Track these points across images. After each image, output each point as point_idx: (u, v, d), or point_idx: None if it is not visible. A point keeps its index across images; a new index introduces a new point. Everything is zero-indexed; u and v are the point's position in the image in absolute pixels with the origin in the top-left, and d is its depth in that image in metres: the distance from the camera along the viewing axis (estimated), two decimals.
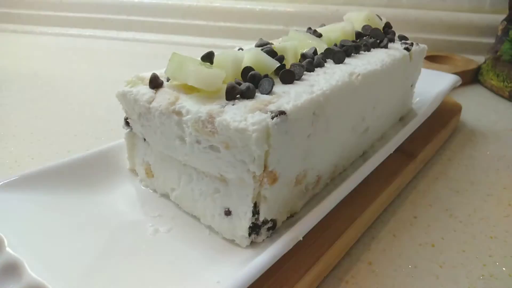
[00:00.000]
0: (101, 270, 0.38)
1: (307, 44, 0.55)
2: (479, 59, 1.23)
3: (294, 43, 0.52)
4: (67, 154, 0.73)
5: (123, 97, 0.47)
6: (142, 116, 0.46)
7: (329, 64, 0.53)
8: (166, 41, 1.48)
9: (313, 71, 0.50)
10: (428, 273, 0.49)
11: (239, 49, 0.55)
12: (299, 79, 0.47)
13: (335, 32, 0.60)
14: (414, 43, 0.69)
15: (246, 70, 0.44)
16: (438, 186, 0.67)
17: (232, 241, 0.44)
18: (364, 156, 0.60)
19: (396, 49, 0.63)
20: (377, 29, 0.63)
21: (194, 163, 0.44)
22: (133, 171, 0.55)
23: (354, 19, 0.68)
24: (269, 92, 0.42)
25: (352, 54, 0.58)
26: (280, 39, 0.61)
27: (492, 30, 1.25)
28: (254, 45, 0.56)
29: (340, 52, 0.53)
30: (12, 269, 0.35)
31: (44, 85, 1.08)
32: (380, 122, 0.62)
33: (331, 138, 0.48)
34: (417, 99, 0.79)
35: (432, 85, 0.81)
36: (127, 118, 0.51)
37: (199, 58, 0.45)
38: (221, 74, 0.42)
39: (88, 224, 0.45)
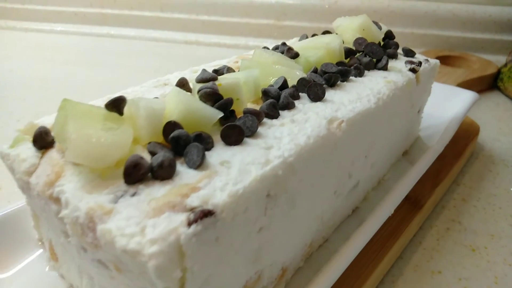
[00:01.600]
0: None
1: (274, 71, 0.40)
2: (499, 59, 1.07)
3: (252, 74, 0.37)
4: None
5: (3, 159, 0.33)
6: (24, 190, 0.32)
7: (303, 102, 0.38)
8: (143, 37, 1.33)
9: (276, 118, 0.35)
10: None
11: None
12: (252, 135, 0.32)
13: (317, 50, 0.45)
14: (423, 59, 0.53)
15: (168, 129, 0.29)
16: (449, 242, 0.53)
17: None
18: (354, 215, 0.46)
19: (398, 71, 0.47)
20: (373, 43, 0.47)
21: (88, 272, 0.29)
22: (42, 243, 0.41)
23: (345, 28, 0.52)
24: (198, 165, 0.28)
25: (339, 82, 0.42)
26: (239, 63, 0.45)
27: None
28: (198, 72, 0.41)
29: (317, 86, 0.38)
30: None
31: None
32: (375, 170, 0.47)
33: (299, 217, 0.34)
34: (425, 124, 0.63)
35: (445, 104, 0.65)
36: None
37: (104, 106, 0.30)
38: (122, 142, 0.27)
39: None
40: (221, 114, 0.31)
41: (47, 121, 0.35)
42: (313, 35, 0.55)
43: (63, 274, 0.37)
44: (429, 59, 0.54)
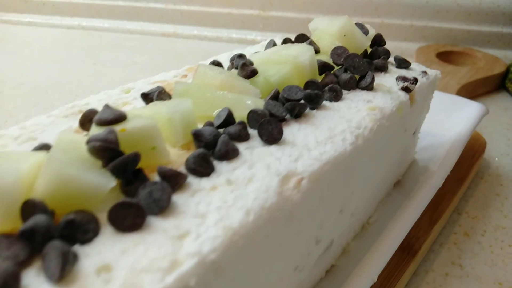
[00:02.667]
0: None
1: (217, 100, 0.29)
2: (507, 55, 0.96)
3: (181, 109, 0.27)
4: None
5: None
6: None
7: (253, 145, 0.28)
8: (117, 29, 1.21)
9: (208, 175, 0.24)
10: None
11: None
12: (160, 212, 0.21)
13: (282, 65, 0.34)
14: (420, 71, 0.42)
15: (26, 212, 0.19)
16: None
17: None
18: (329, 277, 0.36)
19: (387, 92, 0.36)
20: (355, 55, 0.36)
21: None
22: None
23: (322, 33, 0.41)
24: (57, 278, 0.17)
25: (306, 111, 0.32)
26: (187, 77, 0.35)
27: None
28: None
29: (271, 123, 0.27)
30: None
31: None
32: (357, 217, 0.37)
33: None
34: (423, 144, 0.53)
35: (447, 119, 0.55)
36: None
37: None
38: None
39: None
40: (112, 184, 0.21)
41: None
42: (284, 40, 0.44)
43: None
44: (427, 70, 0.43)
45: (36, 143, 0.29)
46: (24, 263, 0.18)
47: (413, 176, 0.49)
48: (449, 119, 0.54)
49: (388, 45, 0.46)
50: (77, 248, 0.19)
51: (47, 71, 0.95)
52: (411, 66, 0.44)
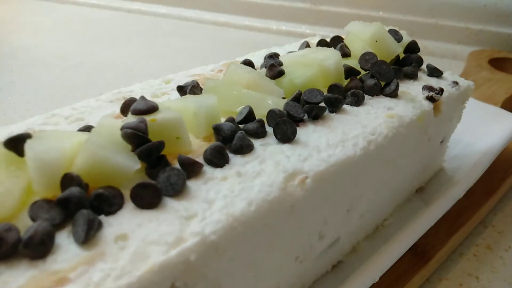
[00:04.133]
0: None
1: (242, 98, 0.32)
2: None
3: (206, 104, 0.30)
4: None
5: None
6: None
7: (268, 142, 0.30)
8: (173, 15, 1.28)
9: (222, 166, 0.27)
10: None
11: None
12: (175, 194, 0.25)
13: (307, 68, 0.36)
14: (451, 81, 0.42)
15: (65, 183, 0.23)
16: None
17: None
18: (335, 271, 0.38)
19: (410, 101, 0.37)
20: (382, 62, 0.38)
21: None
22: None
23: (355, 38, 0.42)
24: (82, 241, 0.21)
25: (325, 113, 0.34)
26: (221, 75, 0.38)
27: None
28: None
29: (286, 123, 0.30)
30: None
31: (14, 71, 0.93)
32: (368, 219, 0.39)
33: None
34: (454, 153, 0.52)
35: (483, 129, 0.54)
36: None
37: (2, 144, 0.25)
38: (7, 193, 0.22)
39: None
40: (137, 166, 0.25)
41: None
42: (319, 42, 0.46)
43: None
44: (459, 80, 0.43)
45: (83, 124, 0.33)
46: (58, 226, 0.22)
47: (437, 184, 0.49)
48: (486, 129, 0.53)
49: (440, 47, 0.46)
50: (102, 218, 0.23)
51: (105, 52, 1.03)
52: (444, 75, 0.44)
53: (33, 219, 0.22)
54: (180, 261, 0.22)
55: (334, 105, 0.34)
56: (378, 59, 0.39)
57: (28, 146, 0.24)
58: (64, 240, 0.22)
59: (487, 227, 0.53)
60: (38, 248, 0.21)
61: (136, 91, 0.39)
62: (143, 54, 1.02)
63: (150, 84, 0.40)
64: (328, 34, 0.60)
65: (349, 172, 0.31)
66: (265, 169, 0.27)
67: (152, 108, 0.28)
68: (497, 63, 0.91)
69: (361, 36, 0.42)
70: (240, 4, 1.21)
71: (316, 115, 0.33)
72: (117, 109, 0.35)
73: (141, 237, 0.22)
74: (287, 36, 1.14)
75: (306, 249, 0.31)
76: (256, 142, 0.30)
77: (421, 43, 0.49)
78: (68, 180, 0.23)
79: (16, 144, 0.25)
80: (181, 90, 0.36)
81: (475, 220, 0.50)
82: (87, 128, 0.30)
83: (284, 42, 1.08)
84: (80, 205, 0.22)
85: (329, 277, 0.37)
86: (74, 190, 0.23)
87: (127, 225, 0.23)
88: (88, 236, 0.21)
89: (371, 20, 0.47)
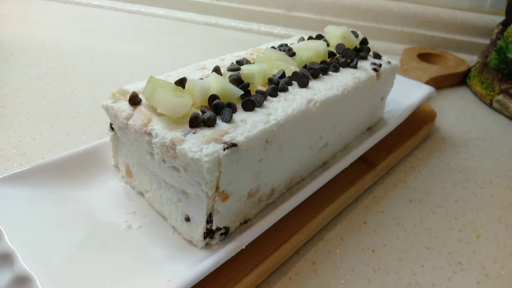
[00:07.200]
0: (77, 262, 0.47)
1: (277, 65, 0.61)
2: (473, 59, 1.25)
3: (263, 67, 0.58)
4: (66, 136, 0.81)
5: (107, 110, 0.54)
6: (121, 129, 0.53)
7: (294, 88, 0.59)
8: (170, 16, 1.52)
9: (275, 96, 0.56)
10: (362, 276, 0.56)
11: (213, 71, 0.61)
12: (260, 106, 0.53)
13: (308, 51, 0.65)
14: (387, 61, 0.73)
15: (212, 99, 0.51)
16: (394, 194, 0.74)
17: (190, 242, 0.52)
18: (324, 166, 0.67)
19: (364, 70, 0.68)
20: (348, 49, 0.68)
21: (161, 176, 0.51)
22: (117, 167, 0.63)
23: (331, 35, 0.72)
24: (228, 120, 0.49)
25: (320, 75, 0.63)
26: (254, 55, 0.67)
27: (489, 31, 1.27)
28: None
29: (304, 77, 0.59)
30: (6, 258, 0.44)
31: (50, 59, 1.14)
32: (342, 137, 0.69)
33: (285, 158, 0.56)
34: (389, 108, 0.84)
35: (407, 95, 0.86)
36: (111, 124, 0.58)
37: (173, 82, 0.52)
38: (187, 104, 0.48)
39: (73, 217, 0.53)
40: (241, 92, 0.52)
41: (132, 88, 0.56)
42: (309, 38, 0.75)
43: (135, 185, 0.59)
44: (391, 61, 0.74)
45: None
46: (216, 116, 0.49)
47: (379, 126, 0.80)
48: (409, 94, 0.86)
49: (383, 45, 0.76)
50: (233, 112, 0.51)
51: (122, 46, 1.26)
52: (382, 58, 0.75)
53: (203, 112, 0.49)
54: (270, 129, 0.50)
55: (325, 71, 0.64)
56: (346, 47, 0.69)
57: (192, 82, 0.51)
58: (218, 121, 0.49)
59: (411, 156, 0.84)
60: (212, 121, 0.48)
61: (207, 64, 0.66)
62: (153, 48, 1.26)
63: (215, 60, 0.68)
64: (300, 34, 0.90)
65: (335, 103, 0.60)
66: (296, 98, 0.56)
67: (238, 68, 0.56)
68: (424, 57, 1.25)
69: (335, 34, 0.72)
70: (227, 8, 1.48)
71: (316, 75, 0.62)
72: (203, 73, 0.62)
73: (252, 120, 0.50)
74: (265, 36, 1.43)
75: (314, 142, 0.60)
76: (289, 87, 0.59)
77: (369, 42, 0.80)
78: (213, 97, 0.51)
79: (182, 82, 0.51)
80: (239, 62, 0.64)
81: (404, 151, 0.81)
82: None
83: (263, 41, 1.42)
84: (222, 106, 0.50)
85: (321, 168, 0.67)
86: (218, 101, 0.50)
87: (243, 116, 0.50)
88: (230, 119, 0.49)
89: (332, 24, 0.77)
